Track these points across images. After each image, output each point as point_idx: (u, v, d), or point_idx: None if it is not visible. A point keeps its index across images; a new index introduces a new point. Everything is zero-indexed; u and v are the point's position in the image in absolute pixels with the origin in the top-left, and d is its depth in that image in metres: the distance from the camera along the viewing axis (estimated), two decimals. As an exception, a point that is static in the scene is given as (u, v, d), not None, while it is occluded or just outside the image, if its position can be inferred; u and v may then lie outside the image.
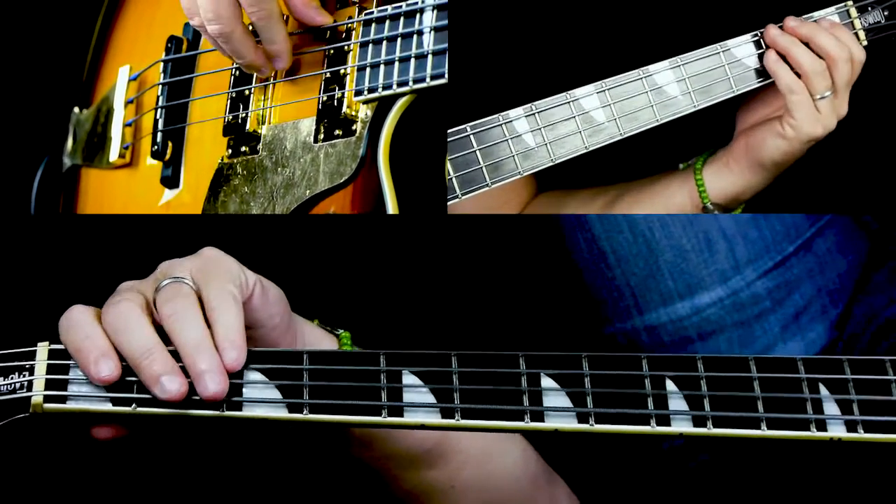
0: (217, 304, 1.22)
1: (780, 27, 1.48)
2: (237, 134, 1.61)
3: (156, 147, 1.68)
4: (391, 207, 1.48)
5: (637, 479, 1.55)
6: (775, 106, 1.50)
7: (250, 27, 1.54)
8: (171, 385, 1.18)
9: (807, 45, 1.47)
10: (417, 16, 1.48)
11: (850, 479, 1.49)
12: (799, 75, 1.47)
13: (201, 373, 1.19)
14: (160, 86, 1.69)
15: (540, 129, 1.42)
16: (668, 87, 1.46)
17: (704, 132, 1.52)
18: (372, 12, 1.52)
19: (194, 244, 1.65)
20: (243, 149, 1.61)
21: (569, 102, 1.43)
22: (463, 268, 1.58)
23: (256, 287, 1.26)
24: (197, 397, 1.20)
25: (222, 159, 1.62)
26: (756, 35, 1.49)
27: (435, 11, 1.46)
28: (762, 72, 1.49)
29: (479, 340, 1.58)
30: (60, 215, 1.85)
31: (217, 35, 1.51)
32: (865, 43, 1.51)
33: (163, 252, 1.65)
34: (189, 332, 1.20)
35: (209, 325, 1.21)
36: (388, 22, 1.51)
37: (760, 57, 1.49)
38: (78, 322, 1.21)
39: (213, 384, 1.18)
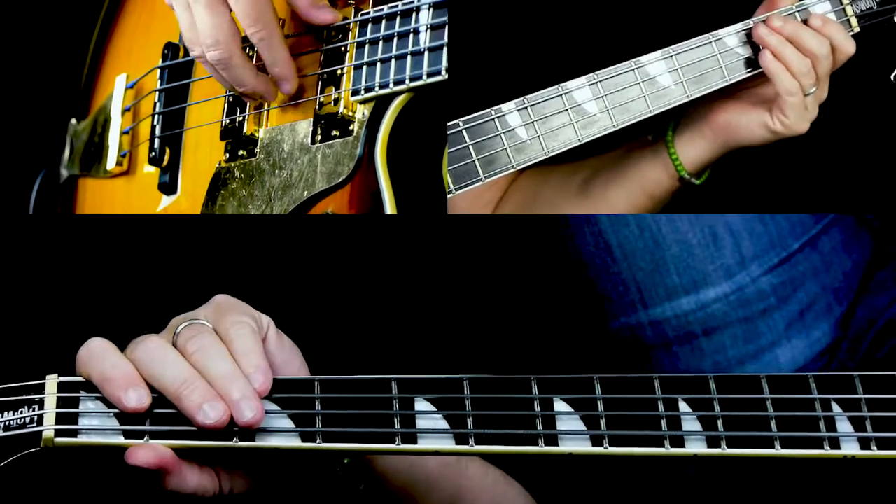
0: (234, 335, 1.24)
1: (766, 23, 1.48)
2: (234, 138, 1.60)
3: (153, 153, 1.67)
4: (389, 207, 1.48)
5: (637, 485, 1.54)
6: (754, 80, 1.50)
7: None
8: (213, 412, 1.20)
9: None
10: (413, 14, 1.47)
11: (853, 485, 1.47)
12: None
13: (237, 401, 1.20)
14: (157, 92, 1.69)
15: (533, 122, 1.42)
16: (661, 78, 1.46)
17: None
18: (368, 12, 1.52)
19: (192, 248, 1.65)
20: (241, 152, 1.60)
21: (561, 95, 1.43)
22: (465, 264, 1.57)
23: (271, 329, 1.27)
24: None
25: (220, 163, 1.61)
26: (748, 24, 1.49)
27: (431, 10, 1.46)
28: (754, 61, 1.49)
29: (483, 339, 1.57)
30: (56, 216, 1.85)
31: (217, 62, 1.52)
32: (857, 29, 1.51)
33: (162, 257, 1.65)
34: (218, 364, 1.21)
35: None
36: (384, 21, 1.50)
37: (752, 46, 1.49)
38: (102, 352, 1.22)
39: (249, 411, 1.20)
